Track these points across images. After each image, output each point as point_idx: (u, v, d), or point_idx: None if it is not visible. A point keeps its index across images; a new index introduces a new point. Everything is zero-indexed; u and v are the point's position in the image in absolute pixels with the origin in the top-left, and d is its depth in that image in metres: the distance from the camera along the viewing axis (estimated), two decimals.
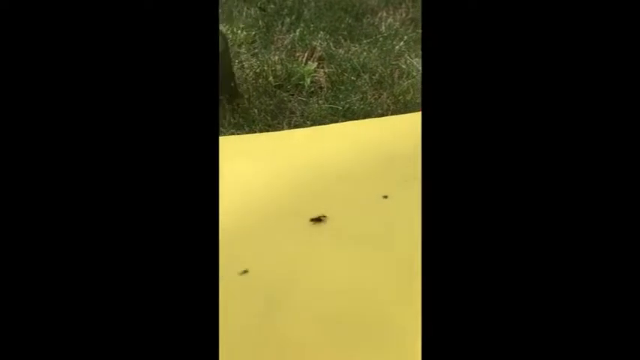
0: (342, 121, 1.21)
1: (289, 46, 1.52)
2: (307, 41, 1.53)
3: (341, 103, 1.29)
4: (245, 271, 0.76)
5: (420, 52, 1.45)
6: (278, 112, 1.28)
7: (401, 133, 1.05)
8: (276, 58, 1.46)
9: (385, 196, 0.89)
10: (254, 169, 1.00)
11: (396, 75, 1.41)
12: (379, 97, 1.33)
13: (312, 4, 1.72)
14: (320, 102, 1.31)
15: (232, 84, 1.29)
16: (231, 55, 1.37)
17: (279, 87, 1.36)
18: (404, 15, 1.69)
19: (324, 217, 0.83)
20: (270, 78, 1.37)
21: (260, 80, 1.37)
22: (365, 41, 1.54)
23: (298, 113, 1.28)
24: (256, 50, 1.50)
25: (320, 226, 0.83)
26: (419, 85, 1.35)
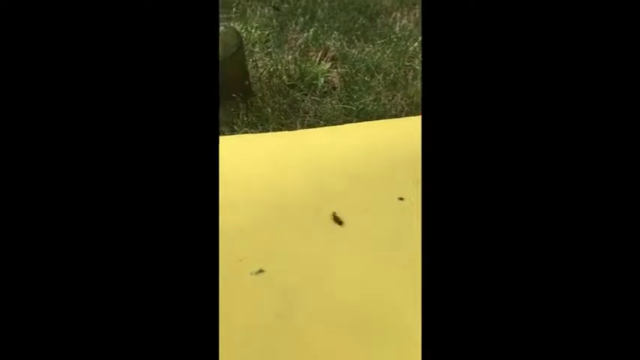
0: (356, 122, 1.20)
1: (303, 46, 1.51)
2: (321, 41, 1.53)
3: (355, 103, 1.29)
4: (260, 271, 0.76)
5: None
6: (291, 111, 1.27)
7: (416, 135, 1.04)
8: (290, 57, 1.45)
9: (401, 198, 0.89)
10: (268, 169, 0.99)
11: (410, 76, 1.40)
12: (393, 97, 1.32)
13: (326, 4, 1.71)
14: (333, 102, 1.31)
15: (246, 82, 1.29)
16: (245, 54, 1.37)
17: (293, 86, 1.35)
18: (418, 16, 1.68)
19: (337, 216, 0.82)
20: (284, 77, 1.37)
21: (274, 79, 1.37)
22: (379, 42, 1.53)
23: (311, 113, 1.27)
24: (270, 49, 1.50)
25: (335, 227, 0.82)
26: None
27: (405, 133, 1.13)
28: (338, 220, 0.80)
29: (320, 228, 0.83)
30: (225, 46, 1.25)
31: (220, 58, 1.21)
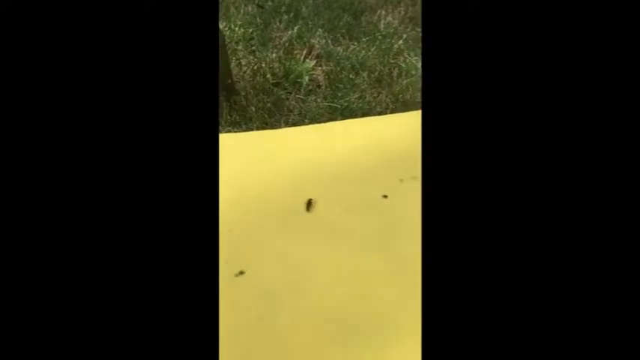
0: (341, 120, 1.19)
1: (287, 44, 1.50)
2: (305, 39, 1.52)
3: (339, 101, 1.28)
4: (241, 272, 0.74)
5: (419, 51, 1.44)
6: (275, 110, 1.26)
7: (401, 132, 1.04)
8: (274, 55, 1.44)
9: (385, 196, 0.88)
10: (250, 168, 0.98)
11: (395, 73, 1.40)
12: (378, 95, 1.32)
13: (310, 1, 1.70)
14: (318, 100, 1.30)
15: (229, 81, 1.27)
16: (229, 52, 1.35)
17: (277, 85, 1.34)
18: (403, 13, 1.68)
19: (312, 200, 0.82)
20: (268, 75, 1.36)
21: (257, 78, 1.36)
22: (364, 39, 1.53)
23: (296, 111, 1.26)
24: (254, 48, 1.48)
25: (319, 226, 0.81)
26: (418, 84, 1.34)
27: (390, 131, 1.13)
28: (310, 205, 0.80)
29: (304, 228, 0.82)
30: None
31: None
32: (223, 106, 1.22)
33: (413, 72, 1.39)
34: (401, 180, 0.88)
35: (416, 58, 1.45)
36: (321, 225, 0.81)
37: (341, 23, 1.61)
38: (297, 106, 1.28)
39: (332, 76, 1.38)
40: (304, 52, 1.45)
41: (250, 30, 1.54)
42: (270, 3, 1.68)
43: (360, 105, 1.27)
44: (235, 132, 1.13)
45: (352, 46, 1.50)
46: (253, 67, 1.39)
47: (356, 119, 1.20)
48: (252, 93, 1.30)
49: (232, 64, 1.36)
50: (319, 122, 1.19)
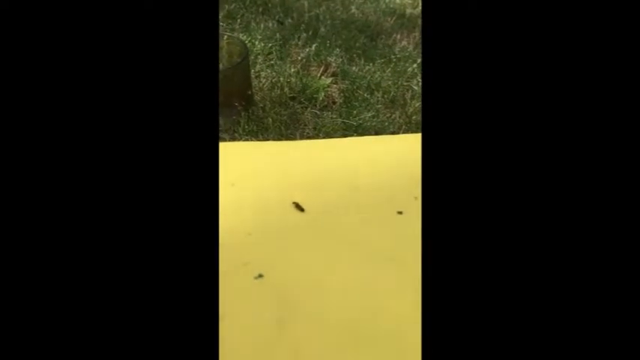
0: (355, 136, 1.23)
1: (305, 61, 1.54)
2: (322, 57, 1.56)
3: (354, 118, 1.31)
4: (260, 275, 0.77)
5: None
6: (291, 122, 1.29)
7: (416, 152, 1.07)
8: (292, 70, 1.48)
9: (400, 212, 0.90)
10: (272, 175, 1.01)
11: (408, 96, 1.44)
12: (391, 115, 1.35)
13: (329, 22, 1.75)
14: (333, 116, 1.33)
15: (249, 92, 1.31)
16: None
17: (294, 99, 1.38)
18: (417, 38, 1.73)
19: (299, 205, 0.84)
20: (286, 89, 1.39)
21: (275, 90, 1.39)
22: (379, 61, 1.57)
23: (311, 125, 1.29)
24: (272, 62, 1.52)
25: (335, 235, 0.84)
26: None
27: (405, 150, 1.15)
28: (299, 208, 0.82)
29: (319, 235, 0.84)
30: (230, 56, 1.27)
31: (225, 68, 1.23)
32: (242, 115, 1.25)
33: None
34: (416, 198, 0.91)
35: None
36: (336, 233, 0.83)
37: (357, 44, 1.65)
38: (313, 120, 1.32)
39: (347, 94, 1.42)
40: (321, 70, 1.49)
41: (270, 45, 1.58)
42: (289, 20, 1.72)
43: (374, 124, 1.30)
44: (252, 141, 1.16)
45: (367, 67, 1.54)
46: (272, 80, 1.43)
47: (371, 136, 1.23)
48: (270, 105, 1.34)
49: (252, 76, 1.40)
50: (333, 137, 1.22)
